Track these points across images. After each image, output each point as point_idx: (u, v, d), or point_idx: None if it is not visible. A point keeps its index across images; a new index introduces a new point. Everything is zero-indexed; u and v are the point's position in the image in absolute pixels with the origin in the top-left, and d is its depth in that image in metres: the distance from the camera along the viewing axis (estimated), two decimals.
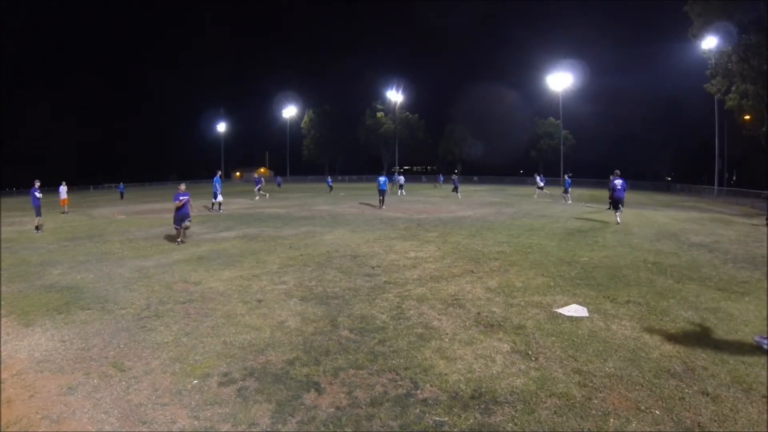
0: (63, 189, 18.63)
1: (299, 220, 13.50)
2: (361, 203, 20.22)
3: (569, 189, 22.25)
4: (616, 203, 12.74)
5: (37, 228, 12.06)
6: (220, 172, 18.52)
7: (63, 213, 17.24)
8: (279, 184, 38.05)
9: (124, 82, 79.85)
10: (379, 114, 64.01)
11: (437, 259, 7.31)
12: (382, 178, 18.05)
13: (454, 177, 29.25)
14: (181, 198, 9.54)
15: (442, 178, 40.44)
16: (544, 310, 4.68)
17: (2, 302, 5.10)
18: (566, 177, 23.37)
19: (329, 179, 35.81)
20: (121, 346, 3.81)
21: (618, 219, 12.50)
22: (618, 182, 12.82)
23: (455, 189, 25.24)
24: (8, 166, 50.39)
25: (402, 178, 29.28)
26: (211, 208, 17.09)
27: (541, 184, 25.77)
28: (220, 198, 17.00)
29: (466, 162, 60.58)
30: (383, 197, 17.74)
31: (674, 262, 7.16)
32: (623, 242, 9.06)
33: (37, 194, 12.54)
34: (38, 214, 12.39)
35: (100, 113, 69.99)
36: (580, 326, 4.18)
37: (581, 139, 54.25)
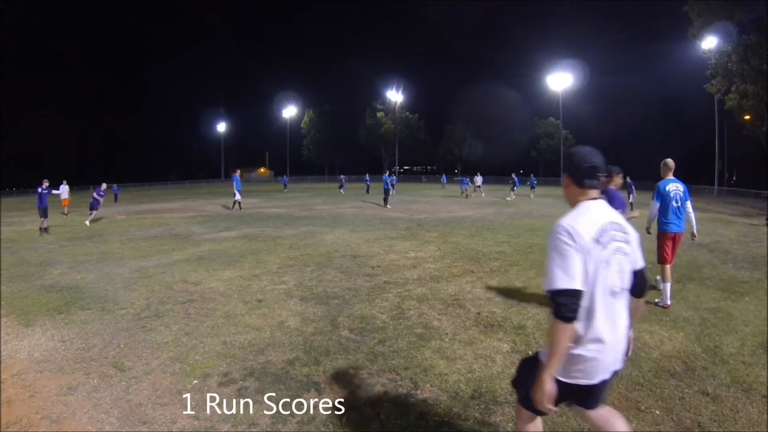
0: (64, 189, 18.13)
1: (299, 220, 13.51)
2: (364, 201, 20.23)
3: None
4: None
5: (43, 229, 11.63)
6: (239, 171, 18.52)
7: (63, 214, 16.86)
8: (285, 185, 37.86)
9: (124, 82, 79.84)
10: (379, 114, 63.95)
11: (437, 259, 7.32)
12: (387, 177, 18.87)
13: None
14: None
15: (445, 179, 40.20)
16: (544, 310, 4.67)
17: (2, 302, 5.10)
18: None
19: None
20: (121, 346, 3.81)
21: None
22: None
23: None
24: (8, 166, 50.36)
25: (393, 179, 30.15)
26: (232, 208, 17.18)
27: (479, 184, 27.45)
28: (238, 197, 17.11)
29: (466, 162, 60.52)
30: (387, 196, 18.43)
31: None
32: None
33: (40, 190, 12.21)
34: (43, 215, 11.92)
35: (100, 113, 69.93)
36: None
37: (581, 139, 54.23)
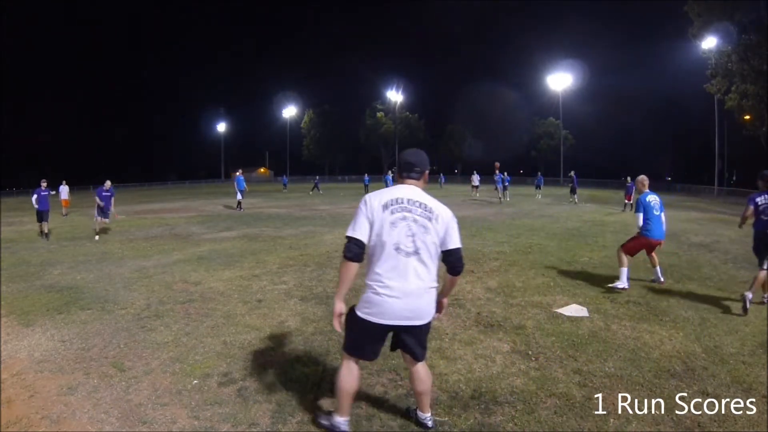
0: (64, 189, 17.84)
1: (299, 220, 13.50)
2: None
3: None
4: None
5: (43, 234, 10.65)
6: (241, 170, 18.37)
7: (62, 215, 16.55)
8: (285, 185, 37.80)
9: (124, 81, 79.68)
10: (379, 114, 63.92)
11: None
12: (388, 177, 18.65)
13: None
14: None
15: (444, 179, 40.14)
16: (544, 310, 4.68)
17: (2, 302, 5.10)
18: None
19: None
20: (121, 346, 3.81)
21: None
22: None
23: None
24: (8, 167, 50.31)
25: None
26: (236, 208, 17.17)
27: (476, 183, 26.98)
28: (240, 196, 17.12)
29: (466, 162, 60.53)
30: None
31: (674, 262, 7.16)
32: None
33: (36, 196, 11.01)
34: (42, 219, 10.81)
35: (100, 113, 69.89)
36: (580, 326, 4.18)
37: (581, 139, 54.27)
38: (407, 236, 2.14)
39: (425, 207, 2.19)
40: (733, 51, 26.14)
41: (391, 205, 2.18)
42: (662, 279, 5.74)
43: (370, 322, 2.22)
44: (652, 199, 5.62)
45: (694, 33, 28.30)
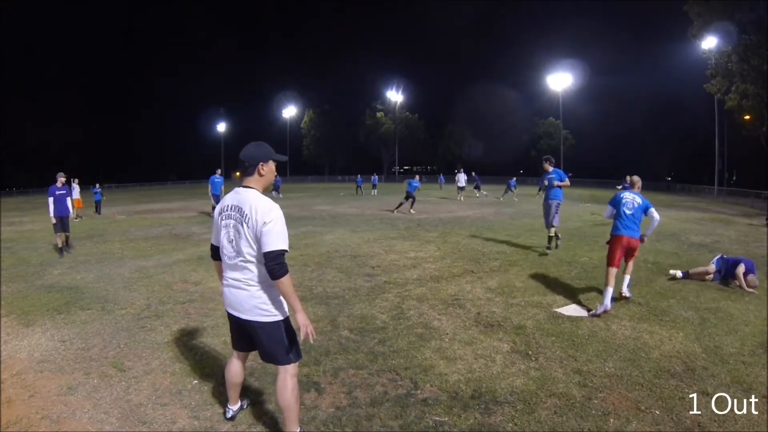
0: (75, 189, 16.11)
1: (299, 220, 13.50)
2: (364, 203, 20.19)
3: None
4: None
5: (64, 247, 8.28)
6: (219, 171, 17.99)
7: (75, 218, 13.84)
8: (278, 187, 37.69)
9: (124, 82, 79.65)
10: (379, 114, 63.93)
11: (437, 259, 7.32)
12: (415, 183, 15.54)
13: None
14: None
15: (443, 179, 40.08)
16: (544, 310, 4.68)
17: (2, 302, 5.09)
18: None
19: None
20: (121, 346, 3.81)
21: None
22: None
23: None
24: (8, 166, 50.31)
25: (375, 178, 32.26)
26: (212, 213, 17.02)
27: (462, 184, 22.74)
28: (213, 201, 16.84)
29: (466, 162, 60.52)
30: (412, 200, 15.37)
31: (674, 262, 7.17)
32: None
33: (52, 198, 8.20)
34: (62, 228, 8.33)
35: (101, 113, 69.85)
36: (580, 326, 4.18)
37: (581, 139, 54.23)
38: (228, 242, 2.32)
39: (240, 211, 2.25)
40: (733, 51, 26.14)
41: (221, 211, 2.37)
42: (628, 294, 5.03)
43: (227, 311, 2.44)
44: (628, 197, 5.02)
45: (694, 33, 28.29)
